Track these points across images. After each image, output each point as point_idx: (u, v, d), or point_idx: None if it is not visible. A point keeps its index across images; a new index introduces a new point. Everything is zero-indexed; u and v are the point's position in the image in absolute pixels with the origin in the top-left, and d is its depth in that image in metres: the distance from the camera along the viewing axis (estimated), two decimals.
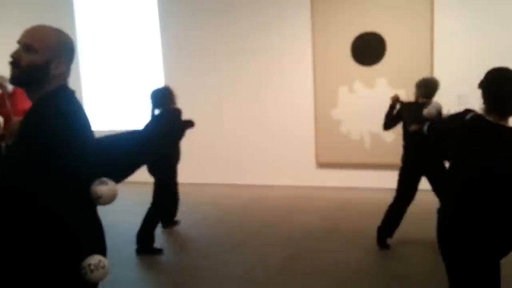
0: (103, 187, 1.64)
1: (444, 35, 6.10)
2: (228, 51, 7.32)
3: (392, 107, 4.29)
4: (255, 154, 7.31)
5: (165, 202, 4.72)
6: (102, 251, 1.70)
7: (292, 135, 7.07)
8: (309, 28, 6.76)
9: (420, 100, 4.00)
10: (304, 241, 4.57)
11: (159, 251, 4.42)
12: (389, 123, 4.35)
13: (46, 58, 1.61)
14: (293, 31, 6.92)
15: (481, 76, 2.19)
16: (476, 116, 2.16)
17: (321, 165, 6.92)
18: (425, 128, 2.82)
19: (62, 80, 1.67)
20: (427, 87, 4.01)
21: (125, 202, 6.31)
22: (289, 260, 4.09)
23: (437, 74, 6.10)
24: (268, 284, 3.62)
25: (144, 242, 4.38)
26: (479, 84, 2.18)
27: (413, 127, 3.65)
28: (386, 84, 6.30)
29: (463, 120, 2.20)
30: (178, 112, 4.54)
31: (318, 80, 6.78)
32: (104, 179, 1.66)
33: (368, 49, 6.44)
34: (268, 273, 3.82)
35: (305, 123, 6.92)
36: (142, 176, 8.25)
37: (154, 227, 4.47)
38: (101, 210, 1.71)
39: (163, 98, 4.48)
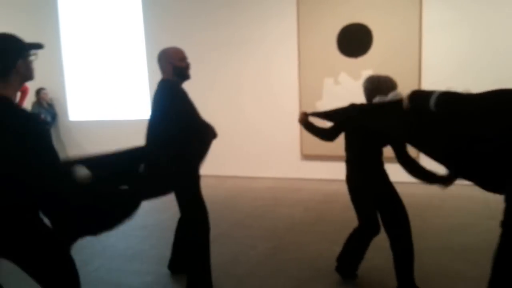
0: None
1: (433, 25, 6.00)
2: (212, 41, 7.21)
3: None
4: (240, 145, 7.23)
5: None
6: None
7: (277, 126, 7.00)
8: (295, 18, 6.67)
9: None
10: (288, 233, 4.51)
11: None
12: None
13: None
14: (278, 21, 6.83)
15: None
16: None
17: (306, 157, 6.86)
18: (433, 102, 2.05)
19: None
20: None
21: None
22: (273, 252, 4.02)
23: (425, 66, 6.06)
24: (250, 276, 3.55)
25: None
26: None
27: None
28: None
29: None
30: None
31: (303, 71, 6.72)
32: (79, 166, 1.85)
33: (354, 41, 6.39)
34: (250, 265, 3.74)
35: (290, 115, 6.85)
36: None
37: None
38: None
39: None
